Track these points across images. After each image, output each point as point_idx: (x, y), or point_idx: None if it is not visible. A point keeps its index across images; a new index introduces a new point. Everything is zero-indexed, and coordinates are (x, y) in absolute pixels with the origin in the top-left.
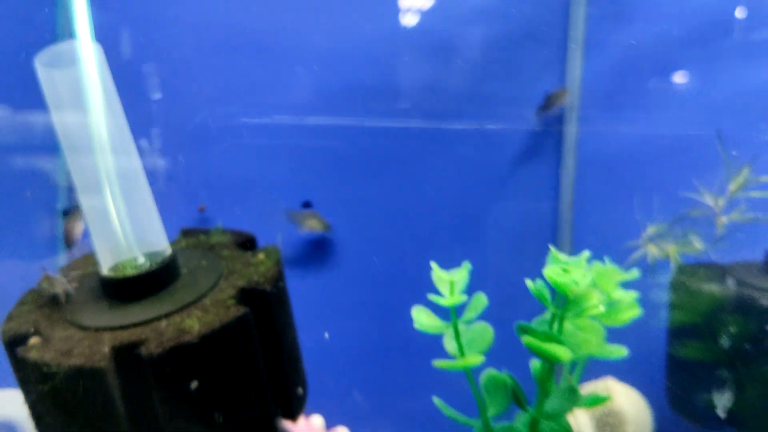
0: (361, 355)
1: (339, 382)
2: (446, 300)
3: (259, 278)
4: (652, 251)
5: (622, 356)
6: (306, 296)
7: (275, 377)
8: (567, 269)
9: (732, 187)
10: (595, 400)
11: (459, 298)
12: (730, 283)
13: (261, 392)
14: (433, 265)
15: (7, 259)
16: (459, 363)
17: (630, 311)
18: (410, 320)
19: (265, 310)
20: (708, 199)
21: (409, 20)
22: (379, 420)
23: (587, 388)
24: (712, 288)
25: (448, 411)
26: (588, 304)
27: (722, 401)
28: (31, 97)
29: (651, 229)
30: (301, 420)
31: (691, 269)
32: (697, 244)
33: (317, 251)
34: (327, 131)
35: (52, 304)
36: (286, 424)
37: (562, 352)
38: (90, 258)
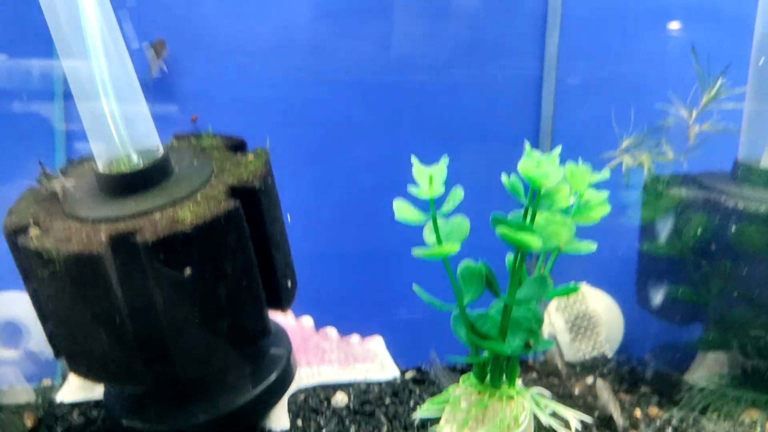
0: (349, 261)
1: (327, 286)
2: (425, 192)
3: (249, 176)
4: (627, 161)
5: (591, 251)
6: (297, 200)
7: (265, 269)
8: (540, 163)
9: (705, 98)
10: (566, 290)
11: (437, 189)
12: (697, 187)
13: (252, 281)
14: (414, 159)
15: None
16: (437, 250)
17: (600, 209)
18: (394, 228)
19: (254, 206)
20: (681, 111)
21: None
22: (364, 321)
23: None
24: (681, 191)
25: (426, 297)
26: (558, 198)
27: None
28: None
29: (626, 141)
30: (292, 319)
31: (663, 177)
32: (669, 154)
33: (309, 157)
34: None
35: (50, 199)
36: (277, 315)
37: (533, 240)
38: (87, 162)
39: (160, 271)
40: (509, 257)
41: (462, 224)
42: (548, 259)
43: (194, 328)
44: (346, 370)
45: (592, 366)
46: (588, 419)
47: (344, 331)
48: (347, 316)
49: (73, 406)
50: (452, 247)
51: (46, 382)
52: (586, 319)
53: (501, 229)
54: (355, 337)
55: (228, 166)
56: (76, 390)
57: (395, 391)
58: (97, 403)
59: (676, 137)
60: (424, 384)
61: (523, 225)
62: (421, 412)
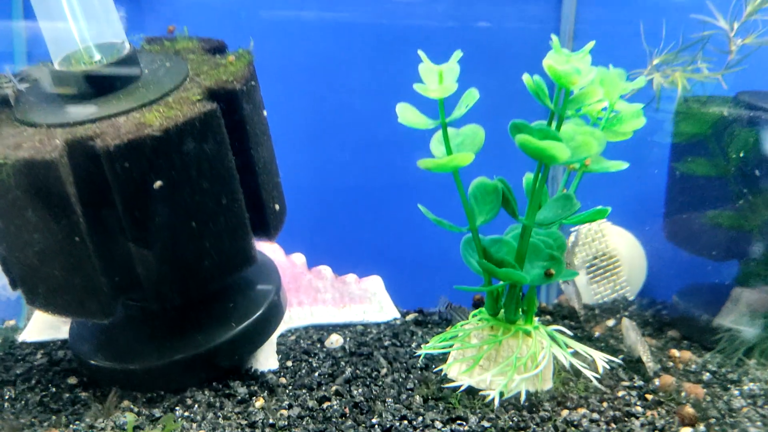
0: (345, 196)
1: (322, 222)
2: (434, 90)
3: (229, 78)
4: (658, 79)
5: (621, 169)
6: (290, 129)
7: (249, 188)
8: (569, 58)
9: (749, 8)
10: (595, 214)
11: (448, 87)
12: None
13: (233, 199)
14: (421, 53)
15: None
16: (447, 161)
17: (634, 121)
18: (395, 161)
19: (235, 111)
20: (721, 22)
21: None
22: (362, 260)
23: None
24: (722, 109)
25: (432, 217)
26: (590, 101)
27: None
28: None
29: (657, 58)
30: (282, 255)
31: (701, 97)
32: (705, 71)
33: (303, 82)
34: None
35: (1, 105)
36: (264, 245)
37: (560, 150)
38: (47, 65)
39: (126, 182)
40: (528, 177)
41: (476, 134)
42: (570, 182)
43: (166, 251)
44: (342, 310)
45: (612, 309)
46: (615, 360)
47: (340, 271)
48: (343, 255)
49: (38, 346)
50: (465, 158)
51: (10, 323)
52: (606, 258)
53: (522, 139)
54: (351, 277)
55: (205, 68)
56: (41, 329)
57: (395, 332)
58: (64, 343)
59: (714, 53)
60: (427, 326)
61: (548, 131)
62: (426, 349)
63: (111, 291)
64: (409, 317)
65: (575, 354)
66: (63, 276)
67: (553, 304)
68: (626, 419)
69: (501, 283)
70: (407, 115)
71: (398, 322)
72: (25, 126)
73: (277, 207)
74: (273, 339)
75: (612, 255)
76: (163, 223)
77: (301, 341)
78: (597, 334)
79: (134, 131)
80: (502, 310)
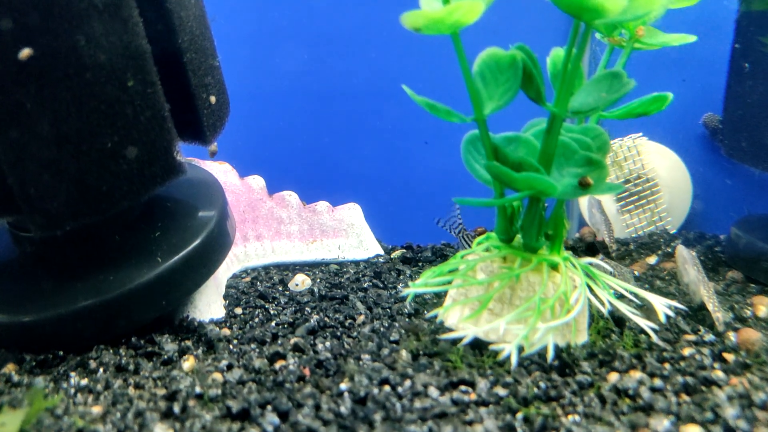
0: (315, 103)
1: (286, 138)
2: None
3: None
4: None
5: (687, 42)
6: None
7: (170, 69)
8: None
9: None
10: (651, 103)
11: None
12: None
13: (144, 81)
14: None
15: None
16: (444, 13)
17: None
18: (381, 61)
19: None
20: None
21: None
22: (337, 187)
23: None
24: None
25: (420, 99)
26: None
27: None
28: None
29: None
30: (234, 177)
31: None
32: None
33: None
34: None
35: None
36: (213, 167)
37: None
38: None
39: None
40: (555, 53)
41: None
42: (612, 64)
43: (46, 153)
44: (311, 246)
45: (650, 245)
46: (680, 307)
47: (308, 198)
48: (313, 179)
49: None
50: (471, 9)
51: None
52: (642, 182)
53: None
54: (322, 204)
55: None
56: None
57: (378, 272)
58: None
59: None
60: (417, 265)
61: None
62: (415, 287)
63: None
64: (395, 254)
65: (620, 297)
66: None
67: (573, 239)
68: (704, 389)
69: (518, 195)
70: None
71: (381, 259)
72: None
73: (212, 99)
74: (220, 280)
75: (649, 178)
76: (39, 111)
77: (258, 283)
78: (636, 273)
79: None
80: (519, 235)
